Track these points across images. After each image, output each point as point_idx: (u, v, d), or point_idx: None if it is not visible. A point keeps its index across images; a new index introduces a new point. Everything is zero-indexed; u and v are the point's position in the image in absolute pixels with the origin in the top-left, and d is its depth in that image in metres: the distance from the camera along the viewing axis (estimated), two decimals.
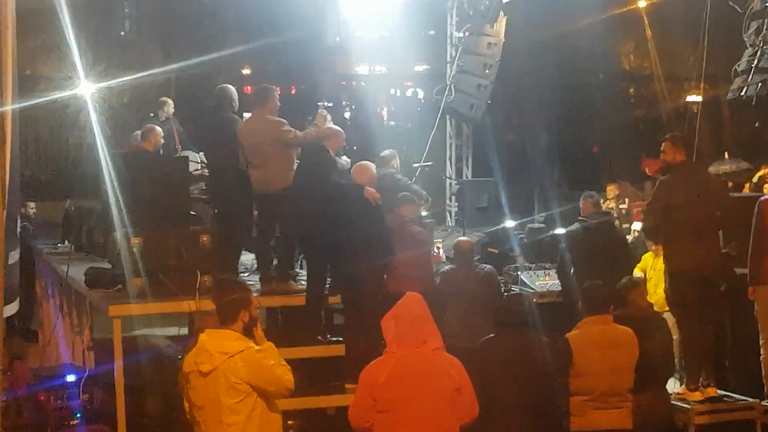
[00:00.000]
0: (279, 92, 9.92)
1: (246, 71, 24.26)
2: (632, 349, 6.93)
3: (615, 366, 6.84)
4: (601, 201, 15.43)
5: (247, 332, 6.05)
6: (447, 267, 9.49)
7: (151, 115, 13.66)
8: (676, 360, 8.58)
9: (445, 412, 5.77)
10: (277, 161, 9.13)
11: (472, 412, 5.89)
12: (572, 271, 9.21)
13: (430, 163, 14.25)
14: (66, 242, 13.50)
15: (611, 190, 15.40)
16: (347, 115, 20.80)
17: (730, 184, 10.83)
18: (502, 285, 9.80)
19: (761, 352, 8.88)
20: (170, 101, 13.62)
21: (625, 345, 6.92)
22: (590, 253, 9.17)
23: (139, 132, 12.10)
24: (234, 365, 5.82)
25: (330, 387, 8.65)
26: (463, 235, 11.48)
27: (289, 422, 8.66)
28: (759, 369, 8.90)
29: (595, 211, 9.69)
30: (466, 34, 14.69)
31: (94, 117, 11.02)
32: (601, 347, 6.83)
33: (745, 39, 11.05)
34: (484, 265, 9.61)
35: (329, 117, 9.83)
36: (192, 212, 9.96)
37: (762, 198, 9.22)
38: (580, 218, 9.60)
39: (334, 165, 8.93)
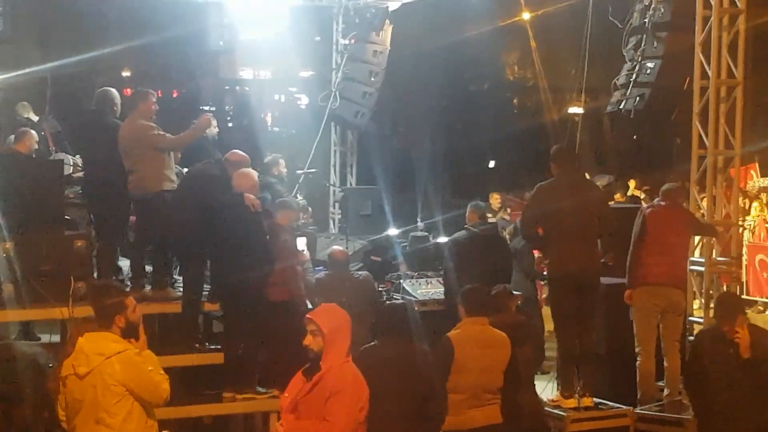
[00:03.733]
0: (160, 95, 9.73)
1: (126, 73, 23.77)
2: (506, 350, 7.29)
3: (491, 364, 7.18)
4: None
5: (128, 336, 5.98)
6: (322, 273, 9.42)
7: (25, 116, 13.28)
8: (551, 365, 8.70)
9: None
10: (150, 165, 8.96)
11: None
12: (457, 277, 9.28)
13: (314, 170, 14.19)
14: None
15: (495, 199, 15.58)
16: (230, 120, 20.59)
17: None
18: (381, 292, 9.81)
19: (637, 359, 9.07)
20: (26, 104, 13.28)
21: (501, 346, 7.27)
22: (475, 259, 9.27)
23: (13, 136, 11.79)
24: (111, 366, 5.80)
25: (207, 396, 8.52)
26: (347, 243, 11.45)
27: None
28: (634, 376, 9.09)
29: (480, 222, 9.78)
30: (352, 41, 14.66)
31: None
32: (480, 345, 7.14)
33: (625, 54, 11.28)
34: (360, 273, 9.58)
35: (214, 122, 9.69)
36: (66, 216, 9.69)
37: (645, 208, 9.48)
38: (466, 226, 9.67)
39: (226, 186, 8.71)
